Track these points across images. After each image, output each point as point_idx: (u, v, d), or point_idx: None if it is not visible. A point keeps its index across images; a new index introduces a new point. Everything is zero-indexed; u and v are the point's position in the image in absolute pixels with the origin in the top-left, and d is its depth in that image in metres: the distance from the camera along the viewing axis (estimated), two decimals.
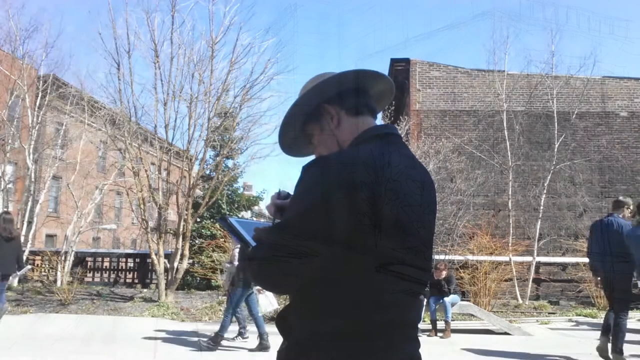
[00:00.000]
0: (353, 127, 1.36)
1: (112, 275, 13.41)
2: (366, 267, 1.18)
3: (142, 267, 13.33)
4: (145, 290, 12.02)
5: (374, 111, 1.43)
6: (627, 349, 5.74)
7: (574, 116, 12.90)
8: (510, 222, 12.09)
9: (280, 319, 1.29)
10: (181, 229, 10.62)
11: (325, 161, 1.24)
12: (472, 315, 8.34)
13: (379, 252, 1.18)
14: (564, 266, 12.29)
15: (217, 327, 6.29)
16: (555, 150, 12.05)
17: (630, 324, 7.27)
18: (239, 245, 6.48)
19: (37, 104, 13.85)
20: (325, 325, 1.18)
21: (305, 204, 1.19)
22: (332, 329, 1.18)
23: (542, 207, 12.06)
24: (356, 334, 1.18)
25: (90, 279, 12.77)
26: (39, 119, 13.72)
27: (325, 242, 1.15)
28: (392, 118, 13.85)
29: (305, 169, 1.24)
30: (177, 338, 6.97)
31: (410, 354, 1.27)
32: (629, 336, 7.09)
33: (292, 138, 1.49)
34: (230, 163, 13.73)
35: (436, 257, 10.32)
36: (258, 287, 6.19)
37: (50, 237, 24.05)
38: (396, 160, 1.25)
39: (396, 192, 1.20)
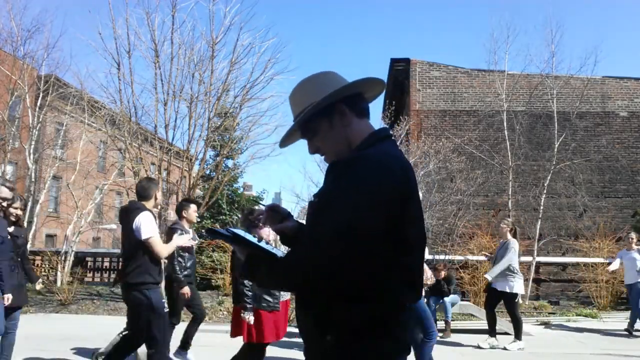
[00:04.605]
0: (362, 128, 1.54)
1: (112, 275, 13.39)
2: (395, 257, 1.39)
3: None
4: None
5: (369, 113, 1.62)
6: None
7: (574, 116, 12.90)
8: None
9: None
10: None
11: (364, 164, 1.37)
12: (472, 315, 8.34)
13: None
14: (564, 266, 12.29)
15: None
16: (555, 150, 12.03)
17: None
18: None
19: (38, 104, 13.85)
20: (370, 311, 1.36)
21: (357, 207, 1.32)
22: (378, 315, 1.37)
23: (542, 207, 12.05)
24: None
25: (90, 279, 12.75)
26: (40, 119, 13.71)
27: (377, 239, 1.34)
28: (392, 118, 13.85)
29: (341, 171, 1.38)
30: (176, 338, 6.96)
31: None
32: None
33: (291, 131, 1.61)
34: (230, 163, 13.72)
35: (436, 257, 10.32)
36: None
37: (50, 237, 24.06)
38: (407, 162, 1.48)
39: (415, 193, 1.45)
